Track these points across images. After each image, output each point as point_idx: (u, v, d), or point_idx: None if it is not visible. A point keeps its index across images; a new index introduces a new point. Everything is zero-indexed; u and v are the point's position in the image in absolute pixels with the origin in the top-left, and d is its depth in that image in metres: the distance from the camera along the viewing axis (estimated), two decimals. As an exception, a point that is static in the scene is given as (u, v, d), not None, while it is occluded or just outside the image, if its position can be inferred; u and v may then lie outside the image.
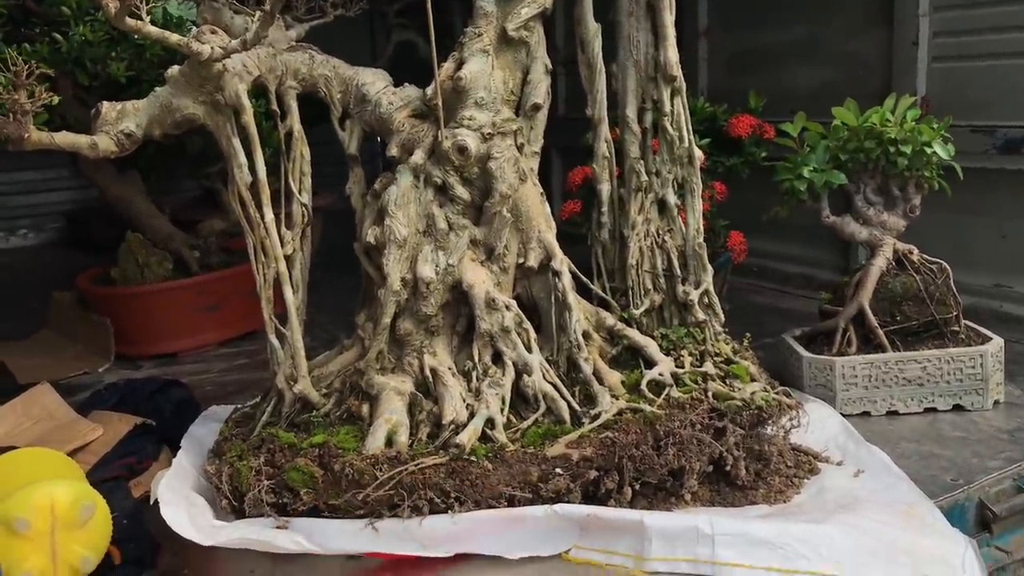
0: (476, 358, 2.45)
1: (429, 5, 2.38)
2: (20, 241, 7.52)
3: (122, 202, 4.36)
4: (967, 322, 3.05)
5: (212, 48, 2.20)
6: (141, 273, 4.05)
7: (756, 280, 4.73)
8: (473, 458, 2.20)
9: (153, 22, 2.06)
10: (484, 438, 2.29)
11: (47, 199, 7.50)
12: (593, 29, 2.66)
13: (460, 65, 2.43)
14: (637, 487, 2.29)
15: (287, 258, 2.47)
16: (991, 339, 2.97)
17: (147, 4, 2.00)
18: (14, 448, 2.48)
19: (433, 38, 2.37)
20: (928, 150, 2.90)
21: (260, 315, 2.48)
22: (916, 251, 3.06)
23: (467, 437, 2.24)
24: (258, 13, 2.11)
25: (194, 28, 2.46)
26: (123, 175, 4.38)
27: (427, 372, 2.45)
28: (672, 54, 2.63)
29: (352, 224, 2.61)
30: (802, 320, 3.47)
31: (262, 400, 2.61)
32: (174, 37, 2.14)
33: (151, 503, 2.25)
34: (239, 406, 2.72)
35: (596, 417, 2.34)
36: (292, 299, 2.45)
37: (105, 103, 2.27)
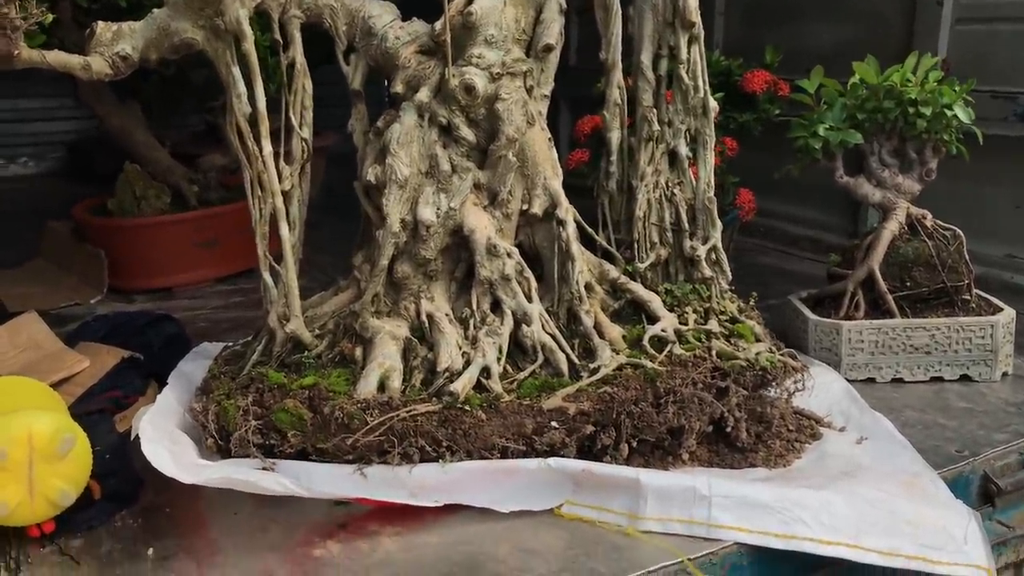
0: (474, 305, 2.39)
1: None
2: (20, 169, 7.44)
3: (121, 132, 4.27)
4: (978, 291, 2.98)
5: (213, -31, 2.11)
6: (138, 205, 3.99)
7: (763, 240, 4.67)
8: (467, 407, 2.15)
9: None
10: (479, 387, 2.23)
11: (49, 128, 7.41)
12: (611, -31, 2.57)
13: (471, 0, 2.34)
14: (634, 444, 2.24)
15: (284, 194, 2.39)
16: (1002, 309, 2.90)
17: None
18: (-4, 377, 2.42)
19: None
20: (948, 113, 2.81)
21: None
22: (930, 216, 2.98)
23: (461, 385, 2.18)
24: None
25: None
26: (124, 105, 4.29)
27: (423, 317, 2.39)
28: (692, -1, 2.54)
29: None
30: (808, 283, 3.41)
31: (253, 339, 2.55)
32: (173, -45, 2.06)
33: (132, 439, 2.20)
34: (229, 344, 2.66)
35: (595, 371, 2.28)
36: (287, 236, 2.38)
37: (100, 23, 2.19)
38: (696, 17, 2.56)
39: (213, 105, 4.80)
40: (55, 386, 2.56)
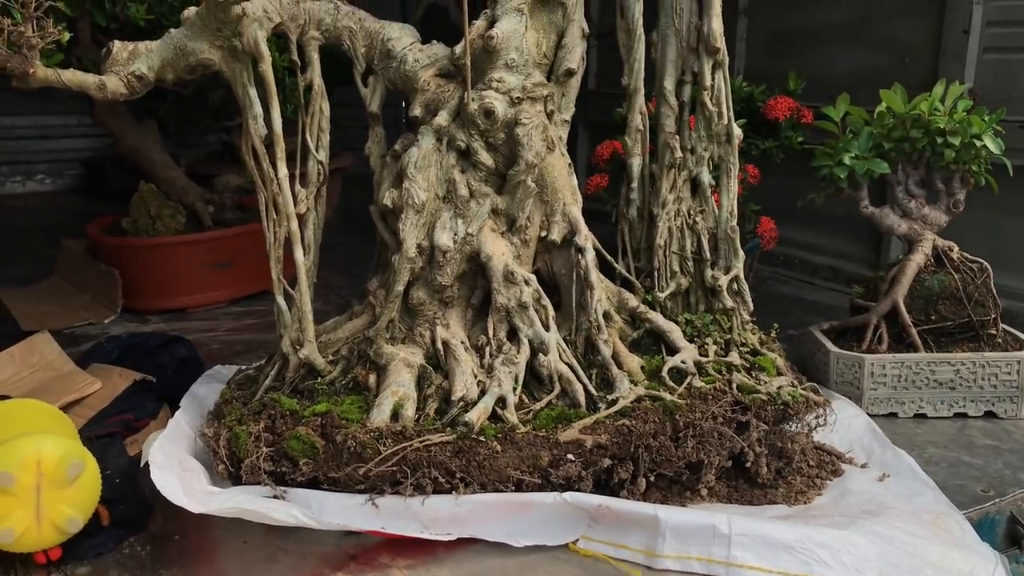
0: (491, 333, 2.35)
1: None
2: (37, 186, 7.45)
3: (137, 151, 4.25)
4: (1005, 326, 2.92)
5: (232, -10, 2.08)
6: (153, 225, 3.97)
7: (783, 270, 4.62)
8: (482, 438, 2.11)
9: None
10: (494, 417, 2.19)
11: (67, 145, 7.42)
12: (635, -7, 2.54)
13: (492, 23, 2.31)
14: (652, 479, 2.19)
15: (299, 217, 2.36)
16: (1029, 345, 2.85)
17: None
18: (6, 398, 2.39)
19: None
20: (977, 143, 2.76)
21: (272, 275, 2.38)
22: (956, 248, 2.93)
23: (476, 415, 2.14)
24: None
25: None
26: (140, 124, 4.27)
27: (439, 344, 2.36)
28: (716, 24, 2.50)
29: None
30: (829, 313, 3.36)
31: (266, 363, 2.52)
32: (192, -24, 2.04)
33: (142, 465, 2.16)
34: (242, 368, 2.63)
35: (613, 403, 2.24)
36: (302, 260, 2.35)
37: (117, 42, 2.17)
38: (721, 43, 2.53)
39: (230, 125, 4.78)
40: (66, 408, 2.54)
